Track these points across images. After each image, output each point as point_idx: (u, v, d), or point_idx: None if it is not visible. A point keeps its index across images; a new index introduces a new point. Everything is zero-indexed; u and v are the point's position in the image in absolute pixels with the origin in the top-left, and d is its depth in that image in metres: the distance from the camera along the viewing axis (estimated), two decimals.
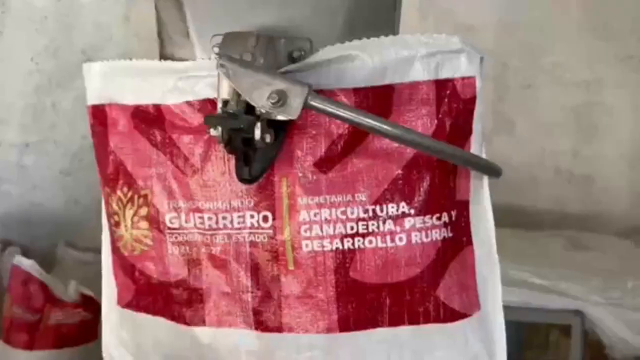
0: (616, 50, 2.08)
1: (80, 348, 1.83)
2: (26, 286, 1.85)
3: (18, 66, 2.33)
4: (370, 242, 0.55)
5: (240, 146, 0.49)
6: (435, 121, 0.54)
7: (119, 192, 0.61)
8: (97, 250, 2.42)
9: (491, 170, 0.58)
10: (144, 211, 0.60)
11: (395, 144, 0.54)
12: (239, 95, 0.47)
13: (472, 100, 0.56)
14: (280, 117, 0.47)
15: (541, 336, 2.12)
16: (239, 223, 0.57)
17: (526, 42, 2.13)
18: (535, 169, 2.15)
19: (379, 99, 0.53)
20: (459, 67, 0.54)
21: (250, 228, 0.57)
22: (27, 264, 1.87)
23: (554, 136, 2.14)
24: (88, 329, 1.85)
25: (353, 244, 0.55)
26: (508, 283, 1.58)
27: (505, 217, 2.17)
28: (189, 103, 0.56)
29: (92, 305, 1.87)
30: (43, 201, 2.41)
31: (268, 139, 0.50)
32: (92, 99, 0.63)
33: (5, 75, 2.38)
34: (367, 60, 0.52)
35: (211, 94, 0.55)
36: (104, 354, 0.72)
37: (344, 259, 0.55)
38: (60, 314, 1.82)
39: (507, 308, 1.54)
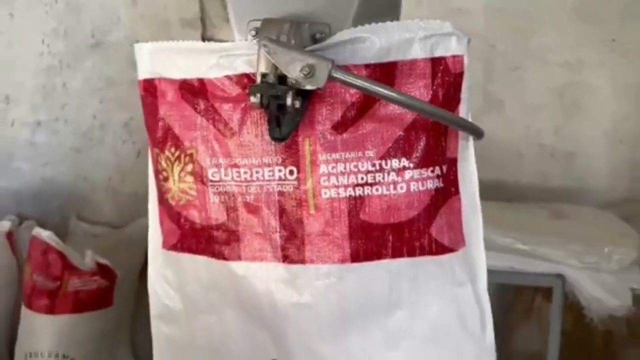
0: (599, 33, 2.20)
1: (98, 313, 1.95)
2: (45, 256, 1.96)
3: (29, 47, 2.42)
4: (377, 190, 0.67)
5: (275, 111, 0.61)
6: (431, 91, 0.66)
7: (167, 152, 0.73)
8: (106, 224, 2.55)
9: (475, 131, 0.71)
10: (189, 167, 0.72)
11: (398, 110, 0.66)
12: (276, 69, 0.59)
13: (461, 74, 0.68)
14: (309, 87, 0.59)
15: (526, 302, 2.27)
16: (269, 176, 0.69)
17: (514, 26, 2.25)
18: (520, 145, 2.28)
19: (385, 73, 0.65)
20: (450, 47, 0.66)
21: (278, 180, 0.69)
22: (46, 235, 1.97)
23: (539, 115, 2.27)
24: (104, 295, 1.97)
25: (363, 191, 0.68)
26: (494, 249, 1.74)
27: (493, 191, 2.30)
28: (228, 77, 0.68)
29: (107, 273, 1.99)
30: (54, 177, 2.52)
31: (297, 105, 0.62)
32: (143, 74, 0.75)
33: (17, 56, 2.47)
34: (376, 42, 0.64)
35: (247, 70, 0.67)
36: (150, 290, 0.84)
37: (355, 204, 0.68)
38: (78, 281, 1.94)
39: (493, 272, 1.70)
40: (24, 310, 1.95)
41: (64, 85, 2.47)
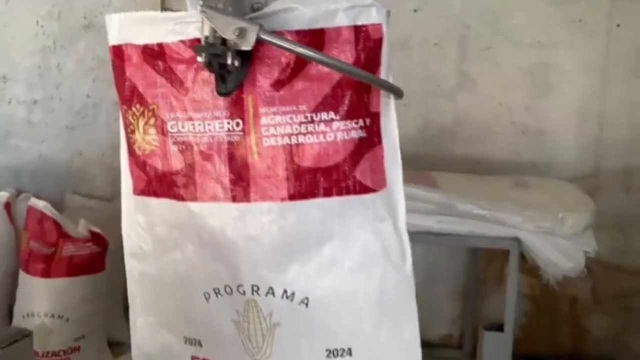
0: (568, 14, 2.30)
1: (91, 277, 2.09)
2: (41, 224, 2.09)
3: (25, 29, 2.53)
4: (309, 138, 0.79)
5: (217, 68, 0.73)
6: (354, 54, 0.78)
7: (133, 108, 0.85)
8: (100, 198, 2.68)
9: (394, 90, 0.82)
10: (152, 121, 0.84)
11: (326, 70, 0.78)
12: (215, 32, 0.70)
13: (380, 40, 0.79)
14: (243, 47, 0.70)
15: (496, 269, 2.39)
16: (219, 128, 0.81)
17: (487, 8, 2.35)
18: (493, 122, 2.39)
19: (314, 39, 0.77)
20: (370, 17, 0.77)
21: (227, 131, 0.81)
22: (42, 205, 2.10)
23: (511, 93, 2.37)
24: (97, 261, 2.11)
25: (297, 140, 0.80)
26: (457, 215, 1.85)
27: (466, 165, 2.42)
28: (182, 42, 0.80)
29: (100, 240, 2.12)
30: (50, 154, 2.64)
31: (237, 63, 0.73)
32: (113, 41, 0.87)
33: (13, 37, 2.58)
34: (305, 12, 0.75)
35: (197, 35, 0.78)
36: (123, 234, 0.96)
37: (291, 151, 0.80)
38: (72, 247, 2.07)
39: (455, 236, 1.83)
40: (22, 275, 2.09)
41: (58, 66, 2.58)
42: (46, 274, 2.05)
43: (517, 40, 2.35)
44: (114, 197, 2.54)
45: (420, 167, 2.23)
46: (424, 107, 2.43)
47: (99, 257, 2.12)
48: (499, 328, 1.89)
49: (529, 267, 1.93)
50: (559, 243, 1.80)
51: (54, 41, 2.56)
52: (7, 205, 2.26)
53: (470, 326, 2.40)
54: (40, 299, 2.03)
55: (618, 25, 2.27)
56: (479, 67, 2.38)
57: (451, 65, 2.41)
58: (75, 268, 2.06)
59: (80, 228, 2.12)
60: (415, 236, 1.71)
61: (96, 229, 2.13)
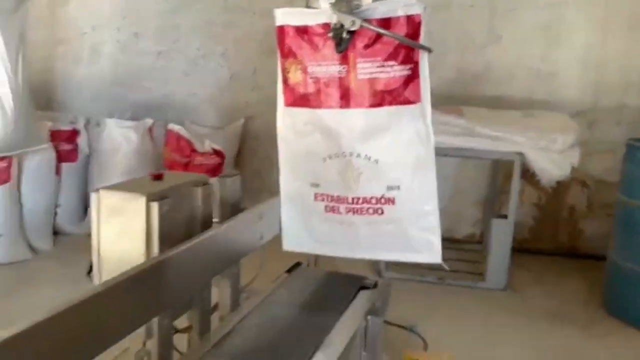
0: None
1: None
2: (178, 141, 2.93)
3: None
4: (381, 74, 1.53)
5: (337, 39, 1.47)
6: (405, 30, 1.51)
7: (289, 59, 1.61)
8: (211, 126, 3.60)
9: (426, 49, 1.55)
10: (299, 67, 1.59)
11: (391, 39, 1.51)
12: (338, 21, 1.44)
13: (419, 23, 1.50)
14: (351, 29, 1.44)
15: (510, 184, 3.08)
16: (334, 69, 1.56)
17: None
18: (513, 68, 3.03)
19: (385, 23, 1.49)
20: (414, 10, 1.49)
21: (338, 71, 1.56)
22: (177, 128, 2.94)
23: (529, 45, 3.00)
24: (217, 168, 2.94)
25: (375, 75, 1.54)
26: (477, 135, 2.56)
27: (492, 102, 3.12)
28: (317, 24, 1.54)
29: (219, 154, 2.95)
30: (171, 93, 3.46)
31: (347, 36, 1.47)
32: (278, 23, 1.62)
33: (143, 3, 3.37)
34: (381, 9, 1.48)
35: (326, 20, 1.52)
36: (278, 129, 1.73)
37: (372, 81, 1.54)
38: (201, 158, 2.91)
39: (475, 151, 2.63)
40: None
41: (178, 25, 3.36)
42: None
43: (535, 2, 2.95)
44: (221, 125, 3.36)
45: (455, 103, 2.90)
46: (459, 56, 3.08)
47: (219, 166, 2.95)
48: (504, 218, 2.60)
49: (537, 181, 2.60)
50: (552, 156, 2.49)
51: (174, 6, 3.33)
52: (150, 129, 3.10)
53: (487, 232, 3.12)
54: None
55: None
56: (504, 25, 3.01)
57: (482, 23, 3.04)
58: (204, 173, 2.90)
59: (205, 145, 2.95)
60: (447, 151, 2.46)
61: (217, 146, 2.95)
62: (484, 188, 3.17)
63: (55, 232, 2.92)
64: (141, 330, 1.27)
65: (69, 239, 2.96)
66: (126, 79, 3.43)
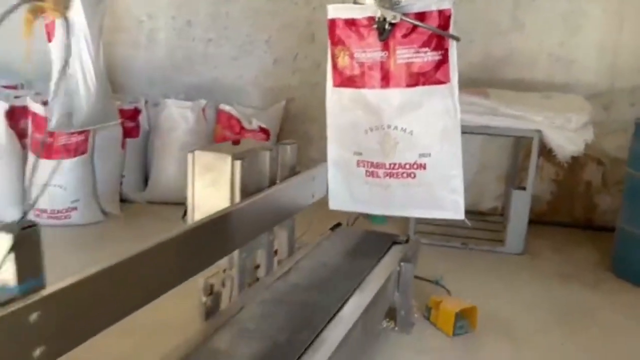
0: None
1: None
2: (229, 120, 3.28)
3: None
4: (416, 59, 1.83)
5: (381, 29, 1.77)
6: (437, 22, 1.80)
7: (338, 47, 1.92)
8: (255, 107, 4.01)
9: (455, 38, 1.84)
10: (347, 53, 1.90)
11: (425, 30, 1.81)
12: (382, 15, 1.74)
13: (450, 16, 1.80)
14: (393, 21, 1.74)
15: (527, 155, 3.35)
16: (377, 55, 1.87)
17: None
18: (535, 54, 3.28)
19: (420, 16, 1.79)
20: (445, 5, 1.78)
21: (380, 57, 1.87)
22: (229, 108, 3.28)
23: (549, 33, 3.24)
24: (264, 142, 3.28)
25: (411, 60, 1.84)
26: (500, 115, 2.85)
27: (514, 85, 3.41)
28: (363, 17, 1.84)
29: (265, 132, 3.29)
30: (220, 76, 3.80)
31: (389, 27, 1.77)
32: (330, 16, 1.93)
33: None
34: (418, 4, 1.78)
35: (371, 14, 1.82)
36: (327, 106, 2.05)
37: (409, 65, 1.84)
38: (249, 135, 3.25)
39: (498, 128, 2.96)
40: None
41: (227, 14, 3.69)
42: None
43: None
44: (264, 106, 3.70)
45: (481, 85, 3.17)
46: (485, 43, 3.34)
47: (266, 142, 3.29)
48: (523, 189, 2.89)
49: (554, 157, 2.86)
50: (567, 134, 2.75)
51: None
52: (204, 109, 3.45)
53: (507, 203, 3.40)
54: None
55: None
56: (527, 13, 3.26)
57: (506, 12, 3.30)
58: None
59: (253, 124, 3.30)
60: (473, 129, 2.75)
61: (262, 124, 3.29)
62: (505, 165, 3.45)
63: (121, 200, 3.31)
64: (224, 261, 1.61)
65: (132, 205, 3.34)
66: (179, 64, 3.78)
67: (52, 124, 2.36)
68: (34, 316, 0.91)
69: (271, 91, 3.69)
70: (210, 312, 1.51)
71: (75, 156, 2.88)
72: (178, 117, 3.31)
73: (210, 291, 1.50)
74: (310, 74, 3.56)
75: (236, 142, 1.77)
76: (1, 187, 2.89)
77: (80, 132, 2.84)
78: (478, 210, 3.48)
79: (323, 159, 2.01)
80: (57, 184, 2.84)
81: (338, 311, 1.63)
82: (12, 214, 2.73)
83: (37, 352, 0.92)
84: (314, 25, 3.52)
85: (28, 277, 0.94)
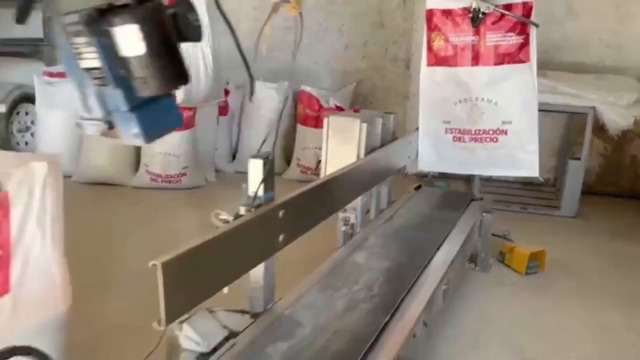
0: None
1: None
2: (310, 99, 3.71)
3: None
4: (503, 42, 2.23)
5: (475, 17, 2.17)
6: (522, 12, 2.19)
7: (434, 32, 2.32)
8: (326, 89, 4.43)
9: (534, 24, 2.23)
10: (442, 37, 2.29)
11: (511, 18, 2.20)
12: (477, 6, 2.13)
13: (531, 7, 2.18)
14: (486, 11, 2.13)
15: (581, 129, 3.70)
16: (469, 38, 2.27)
17: None
18: (588, 39, 3.61)
19: (508, 7, 2.18)
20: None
21: (472, 40, 2.27)
22: (309, 89, 3.71)
23: (602, 20, 3.57)
24: None
25: (499, 43, 2.23)
26: (558, 93, 3.24)
27: (569, 67, 3.79)
28: (459, 8, 2.24)
29: (341, 109, 3.70)
30: (297, 61, 4.20)
31: (482, 16, 2.17)
32: (428, 7, 2.33)
33: None
34: None
35: (466, 5, 2.22)
36: (421, 83, 2.45)
37: (497, 46, 2.24)
38: (327, 113, 3.67)
39: (557, 105, 3.37)
40: (299, 127, 3.75)
41: (304, 2, 4.09)
42: (315, 126, 3.68)
43: None
44: (336, 88, 4.10)
45: (539, 67, 3.49)
46: (543, 30, 3.65)
47: None
48: (578, 159, 3.25)
49: (605, 131, 3.21)
50: (618, 110, 3.10)
51: None
52: (287, 91, 3.88)
53: (562, 173, 3.75)
54: (311, 141, 3.68)
55: None
56: (581, 2, 3.60)
57: (561, 2, 3.64)
58: None
59: (330, 102, 3.72)
60: None
61: (339, 103, 3.71)
62: (558, 140, 3.80)
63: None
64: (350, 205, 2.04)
65: (223, 174, 3.80)
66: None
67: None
68: (280, 213, 1.34)
69: (342, 74, 4.10)
70: (347, 238, 1.94)
71: (187, 129, 3.34)
72: (265, 97, 3.75)
73: (346, 222, 1.93)
74: (378, 59, 3.95)
75: (356, 110, 2.19)
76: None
77: (189, 108, 3.30)
78: (533, 181, 3.84)
79: None
80: (172, 152, 3.31)
81: (440, 245, 2.04)
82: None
83: (280, 238, 1.36)
84: (383, 15, 3.91)
85: (268, 191, 1.38)
